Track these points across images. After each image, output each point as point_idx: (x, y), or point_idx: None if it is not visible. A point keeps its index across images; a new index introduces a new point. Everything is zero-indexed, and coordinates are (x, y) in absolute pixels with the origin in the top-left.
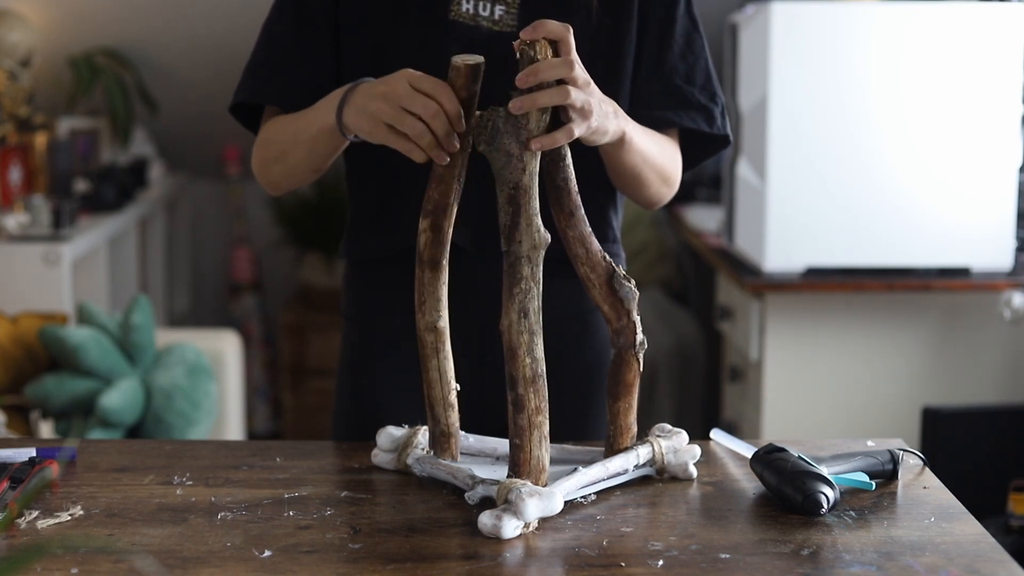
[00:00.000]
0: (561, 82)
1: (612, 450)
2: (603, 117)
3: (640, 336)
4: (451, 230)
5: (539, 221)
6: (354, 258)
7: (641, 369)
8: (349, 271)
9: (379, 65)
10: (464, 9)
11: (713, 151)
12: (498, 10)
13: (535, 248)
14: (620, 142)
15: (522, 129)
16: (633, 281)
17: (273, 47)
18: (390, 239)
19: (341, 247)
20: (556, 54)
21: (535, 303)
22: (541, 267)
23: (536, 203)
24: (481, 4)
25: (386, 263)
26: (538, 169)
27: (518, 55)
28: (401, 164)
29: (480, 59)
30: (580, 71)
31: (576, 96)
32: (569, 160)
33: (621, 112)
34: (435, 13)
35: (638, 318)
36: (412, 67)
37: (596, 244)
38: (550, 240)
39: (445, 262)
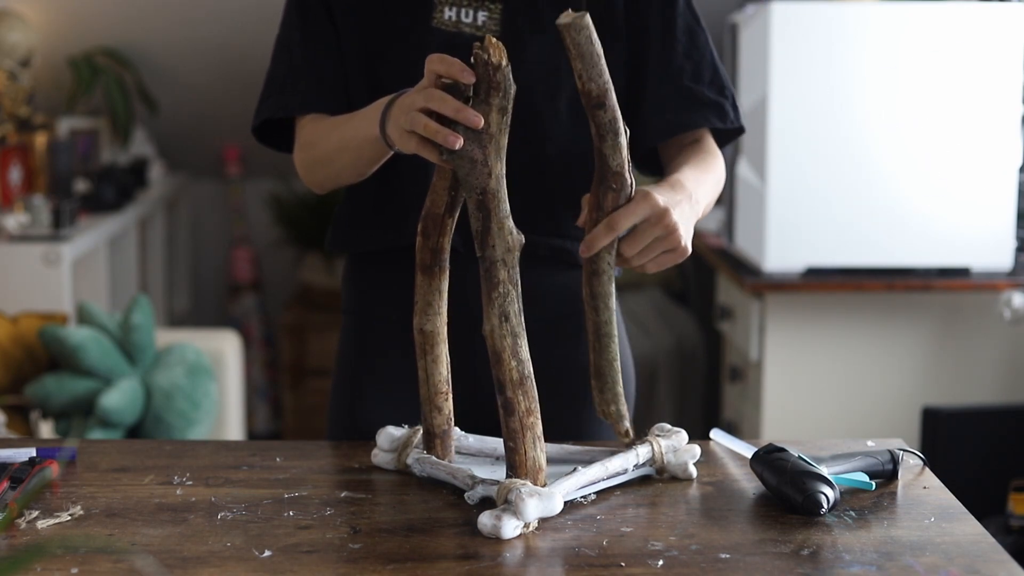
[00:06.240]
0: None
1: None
2: (688, 223)
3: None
4: (444, 239)
5: (511, 223)
6: (346, 250)
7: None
8: (347, 265)
9: (370, 72)
10: (447, 16)
11: (727, 142)
12: (481, 16)
13: (509, 251)
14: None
15: (483, 133)
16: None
17: (291, 60)
18: (383, 234)
19: (328, 238)
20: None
21: (515, 305)
22: (518, 269)
23: (506, 205)
24: (464, 11)
25: (379, 257)
26: (504, 172)
27: (472, 59)
28: (401, 163)
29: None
30: (671, 221)
31: (686, 247)
32: (622, 144)
33: (687, 186)
34: (418, 21)
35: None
36: (395, 75)
37: None
38: (524, 241)
39: (438, 269)
